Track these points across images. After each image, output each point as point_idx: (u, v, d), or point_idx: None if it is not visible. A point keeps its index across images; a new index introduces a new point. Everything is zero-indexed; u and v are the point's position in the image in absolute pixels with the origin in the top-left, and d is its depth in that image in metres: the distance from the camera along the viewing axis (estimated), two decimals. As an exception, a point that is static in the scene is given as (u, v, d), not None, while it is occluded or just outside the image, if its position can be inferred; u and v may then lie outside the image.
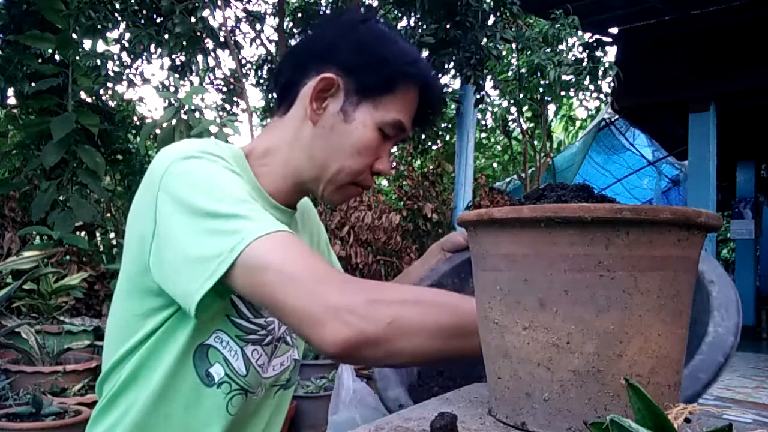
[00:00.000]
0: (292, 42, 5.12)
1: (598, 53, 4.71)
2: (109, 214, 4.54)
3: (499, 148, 9.10)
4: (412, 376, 0.87)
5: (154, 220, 0.74)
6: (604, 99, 5.74)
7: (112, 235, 4.52)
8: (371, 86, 0.84)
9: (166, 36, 3.92)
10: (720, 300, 0.66)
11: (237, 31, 5.45)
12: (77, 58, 3.86)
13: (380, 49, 0.85)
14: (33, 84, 3.92)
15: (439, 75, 4.86)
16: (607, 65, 4.54)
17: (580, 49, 4.80)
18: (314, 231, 1.06)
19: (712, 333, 0.62)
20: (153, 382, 0.80)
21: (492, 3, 4.40)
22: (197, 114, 2.97)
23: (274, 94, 1.01)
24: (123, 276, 0.83)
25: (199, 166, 0.75)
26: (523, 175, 6.14)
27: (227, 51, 4.67)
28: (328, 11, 5.35)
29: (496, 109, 6.19)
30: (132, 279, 0.81)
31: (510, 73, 6.36)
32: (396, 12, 5.27)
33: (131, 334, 0.81)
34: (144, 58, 4.36)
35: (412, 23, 5.01)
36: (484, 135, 8.49)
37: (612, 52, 6.40)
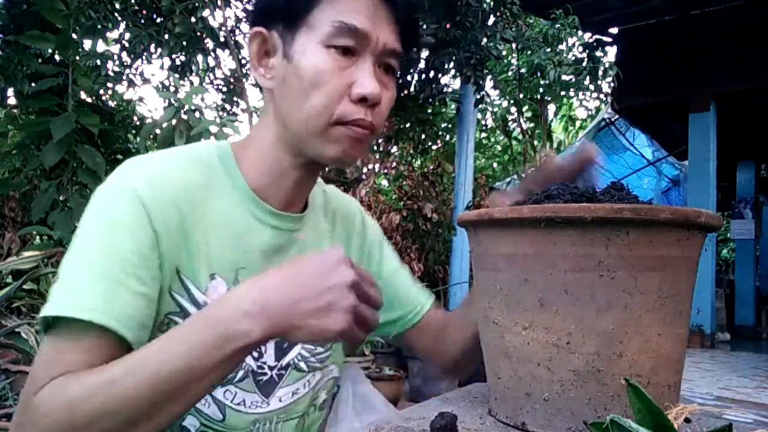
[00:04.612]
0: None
1: (598, 53, 4.70)
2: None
3: (499, 148, 9.10)
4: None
5: None
6: (604, 99, 5.73)
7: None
8: (293, 9, 0.73)
9: (166, 36, 3.91)
10: None
11: (237, 31, 5.44)
12: (77, 58, 3.86)
13: None
14: (33, 84, 3.92)
15: (440, 75, 4.86)
16: (607, 65, 4.54)
17: (580, 49, 4.80)
18: (354, 237, 0.93)
19: None
20: None
21: (492, 3, 4.39)
22: (197, 114, 2.96)
23: None
24: None
25: (95, 210, 0.70)
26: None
27: (227, 51, 4.66)
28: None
29: (496, 109, 6.19)
30: None
31: (510, 73, 6.35)
32: (396, 12, 5.25)
33: None
34: (144, 58, 4.36)
35: (412, 23, 4.99)
36: (484, 135, 8.49)
37: (612, 52, 6.41)
